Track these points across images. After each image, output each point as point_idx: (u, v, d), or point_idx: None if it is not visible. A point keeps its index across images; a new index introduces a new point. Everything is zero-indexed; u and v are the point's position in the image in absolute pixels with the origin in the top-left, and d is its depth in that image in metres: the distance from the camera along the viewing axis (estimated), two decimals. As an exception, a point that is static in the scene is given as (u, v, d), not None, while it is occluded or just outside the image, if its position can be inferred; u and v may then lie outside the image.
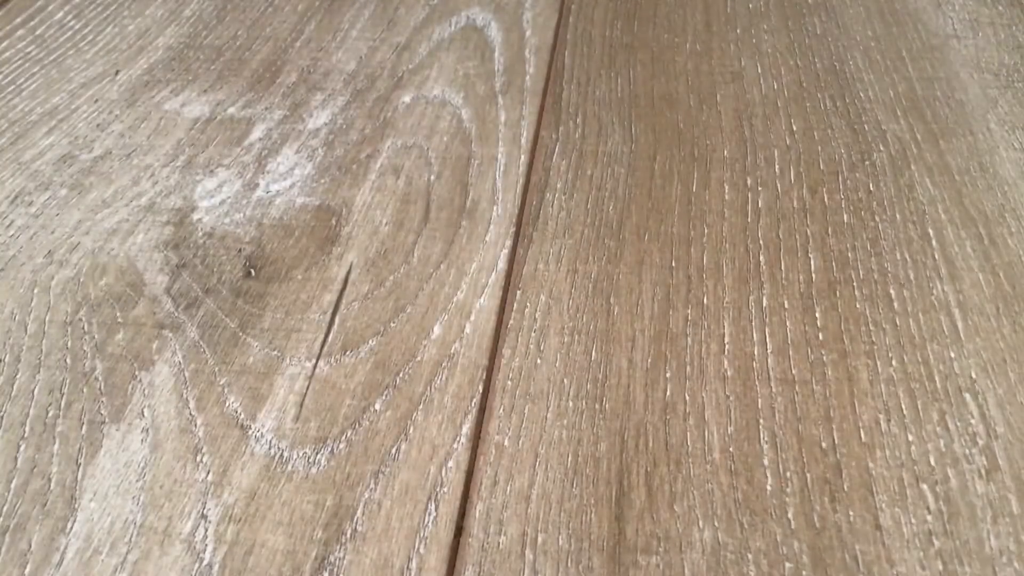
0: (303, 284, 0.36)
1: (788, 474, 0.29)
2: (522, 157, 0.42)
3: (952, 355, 0.32)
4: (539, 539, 0.27)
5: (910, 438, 0.30)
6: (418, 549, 0.27)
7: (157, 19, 0.54)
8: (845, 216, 0.39)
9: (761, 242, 0.37)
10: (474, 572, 0.26)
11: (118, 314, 0.35)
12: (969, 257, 0.37)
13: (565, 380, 0.32)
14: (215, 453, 0.29)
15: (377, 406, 0.31)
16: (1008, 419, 0.30)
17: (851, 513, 0.27)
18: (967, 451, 0.29)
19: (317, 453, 0.29)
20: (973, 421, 0.30)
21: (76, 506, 0.28)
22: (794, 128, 0.45)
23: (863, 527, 0.27)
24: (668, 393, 0.31)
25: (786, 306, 0.35)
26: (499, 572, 0.26)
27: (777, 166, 0.42)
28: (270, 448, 0.30)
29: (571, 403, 0.31)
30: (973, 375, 0.32)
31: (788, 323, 0.34)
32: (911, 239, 0.38)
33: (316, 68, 0.49)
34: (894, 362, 0.32)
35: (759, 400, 0.31)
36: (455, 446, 0.30)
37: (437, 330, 0.34)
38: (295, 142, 0.43)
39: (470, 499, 0.28)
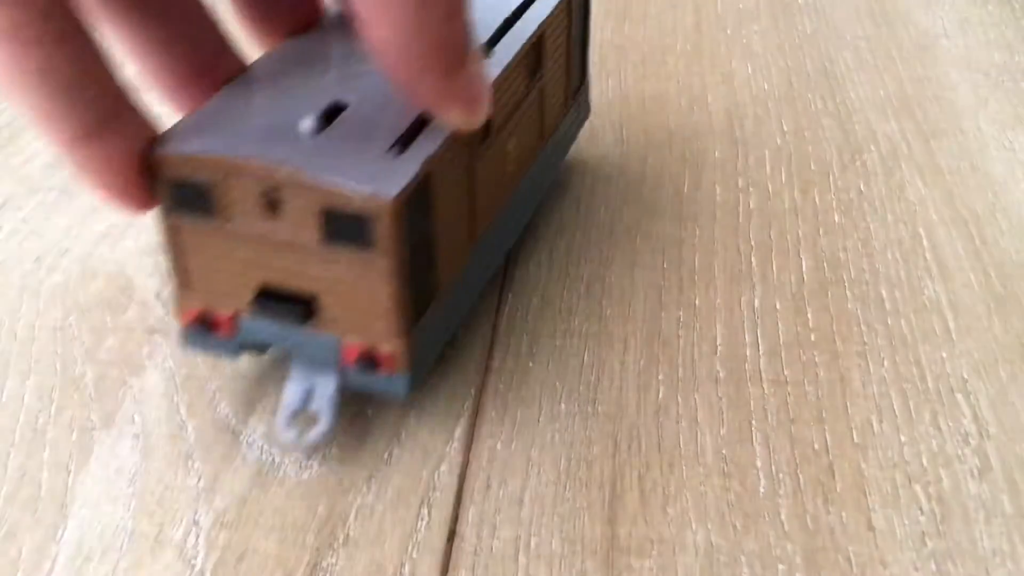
0: (294, 288, 0.36)
1: (781, 476, 0.29)
2: (513, 159, 0.42)
3: (944, 355, 0.33)
4: (532, 543, 0.27)
5: (902, 439, 0.30)
6: (411, 554, 0.27)
7: (146, 22, 0.54)
8: (836, 216, 0.39)
9: (752, 243, 0.38)
10: (467, 577, 0.26)
11: (108, 319, 0.34)
12: (960, 257, 0.37)
13: (557, 383, 0.32)
14: (206, 459, 0.29)
15: (369, 411, 0.31)
16: (1000, 419, 0.30)
17: (844, 514, 0.27)
18: (959, 451, 0.29)
19: (309, 458, 0.29)
20: (965, 421, 0.30)
21: (67, 513, 0.28)
22: (785, 129, 0.45)
23: (856, 528, 0.27)
24: (660, 395, 0.31)
25: (778, 307, 0.35)
26: (492, 576, 0.26)
27: (768, 167, 0.42)
28: (262, 454, 0.29)
29: (563, 406, 0.31)
30: (965, 375, 0.32)
31: (780, 324, 0.34)
32: (902, 239, 0.38)
33: (306, 71, 0.49)
34: (886, 363, 0.32)
35: (751, 402, 0.31)
36: (447, 450, 0.30)
37: (429, 333, 0.34)
38: (285, 145, 0.43)
39: (463, 503, 0.28)
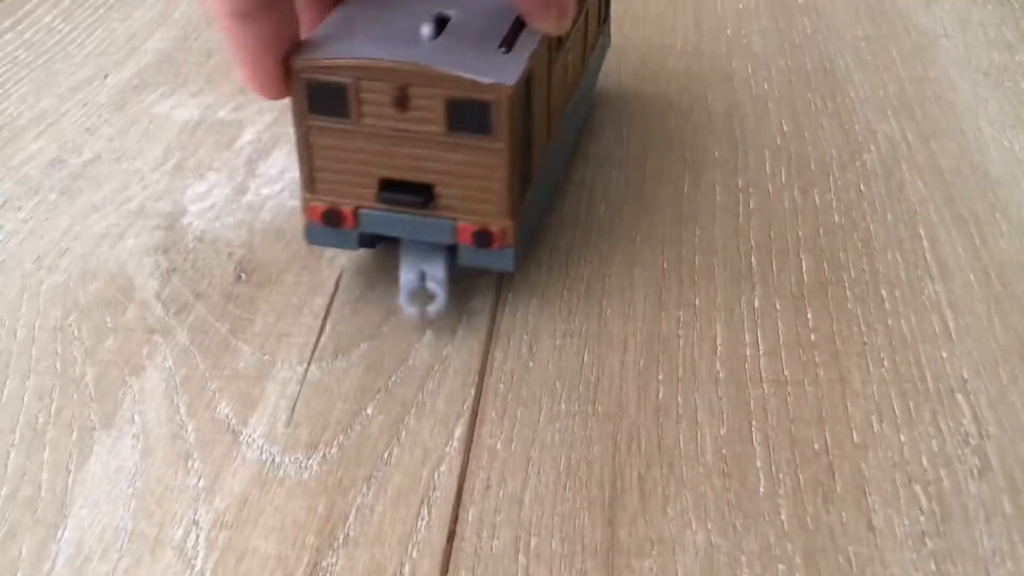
0: (294, 288, 0.36)
1: (781, 475, 0.29)
2: (513, 159, 0.42)
3: (944, 355, 0.33)
4: (532, 543, 0.27)
5: (902, 439, 0.30)
6: (411, 554, 0.27)
7: (146, 22, 0.54)
8: (836, 216, 0.39)
9: (752, 243, 0.38)
10: (467, 577, 0.26)
11: (108, 319, 0.34)
12: (960, 257, 0.37)
13: (557, 383, 0.32)
14: (206, 459, 0.29)
15: (369, 410, 0.31)
16: (1000, 419, 0.30)
17: (844, 514, 0.27)
18: (959, 451, 0.29)
19: (309, 458, 0.29)
20: (965, 421, 0.30)
21: (67, 513, 0.28)
22: (785, 129, 0.45)
23: (856, 528, 0.27)
24: (660, 395, 0.31)
25: (778, 307, 0.35)
26: (492, 576, 0.26)
27: (768, 167, 0.42)
28: (262, 453, 0.29)
29: (563, 406, 0.31)
30: (965, 375, 0.32)
31: (780, 324, 0.34)
32: (902, 239, 0.38)
33: (306, 71, 0.49)
34: (886, 363, 0.32)
35: (751, 402, 0.31)
36: (447, 450, 0.30)
37: (428, 334, 0.33)
38: (285, 145, 0.43)
39: (463, 503, 0.28)
